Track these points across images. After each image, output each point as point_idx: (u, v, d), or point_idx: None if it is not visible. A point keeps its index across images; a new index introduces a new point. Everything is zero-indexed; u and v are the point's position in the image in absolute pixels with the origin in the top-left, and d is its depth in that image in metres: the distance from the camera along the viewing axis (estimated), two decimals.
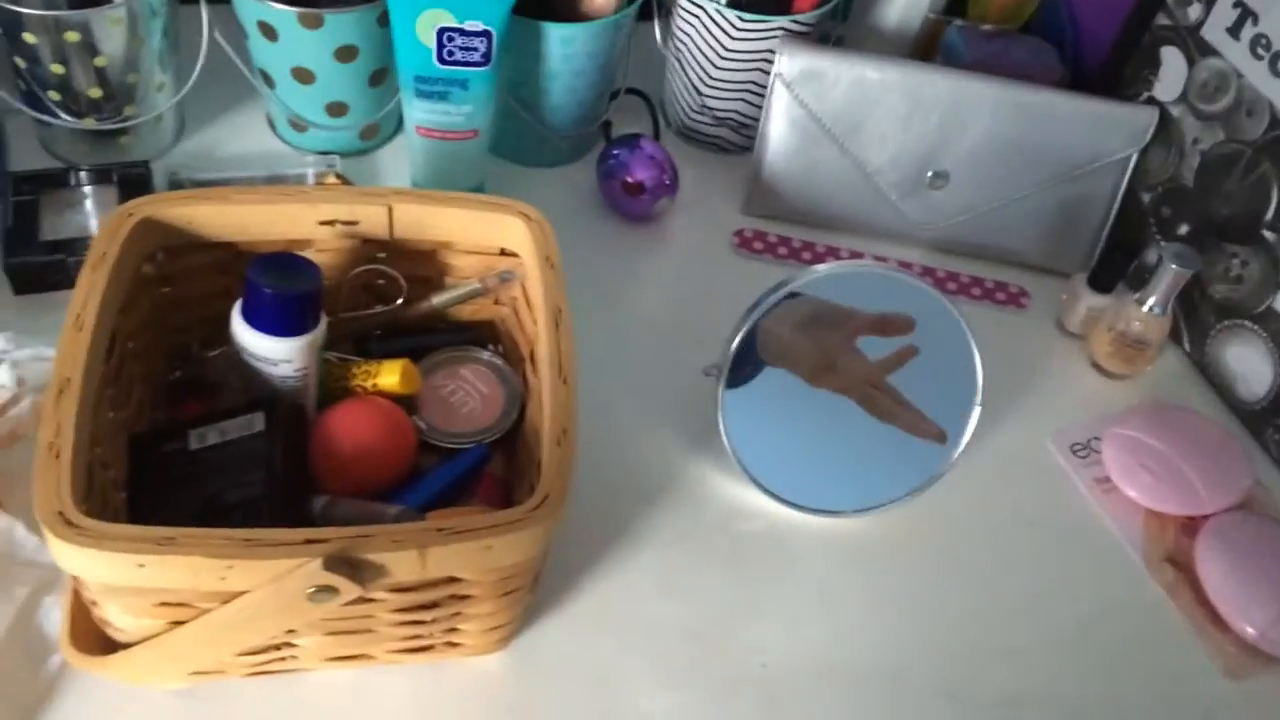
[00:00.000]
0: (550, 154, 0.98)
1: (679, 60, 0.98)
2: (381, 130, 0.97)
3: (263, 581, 0.53)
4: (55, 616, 0.64)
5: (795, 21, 0.92)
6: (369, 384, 0.69)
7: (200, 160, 0.92)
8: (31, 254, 0.80)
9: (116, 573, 0.52)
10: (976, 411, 0.76)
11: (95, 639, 0.60)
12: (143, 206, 0.65)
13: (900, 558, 0.77)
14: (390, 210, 0.69)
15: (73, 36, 0.80)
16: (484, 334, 0.78)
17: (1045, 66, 0.99)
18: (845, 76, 0.89)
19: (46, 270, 0.80)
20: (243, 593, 0.54)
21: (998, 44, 1.00)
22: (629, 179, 0.91)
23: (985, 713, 0.70)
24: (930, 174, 0.92)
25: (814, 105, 0.90)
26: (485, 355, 0.75)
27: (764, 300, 0.73)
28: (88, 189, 0.85)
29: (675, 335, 0.86)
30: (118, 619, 0.57)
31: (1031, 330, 0.95)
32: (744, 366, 0.74)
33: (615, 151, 0.92)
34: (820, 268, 0.73)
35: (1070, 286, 0.93)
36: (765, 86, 0.93)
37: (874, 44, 1.04)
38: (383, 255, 0.72)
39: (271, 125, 0.97)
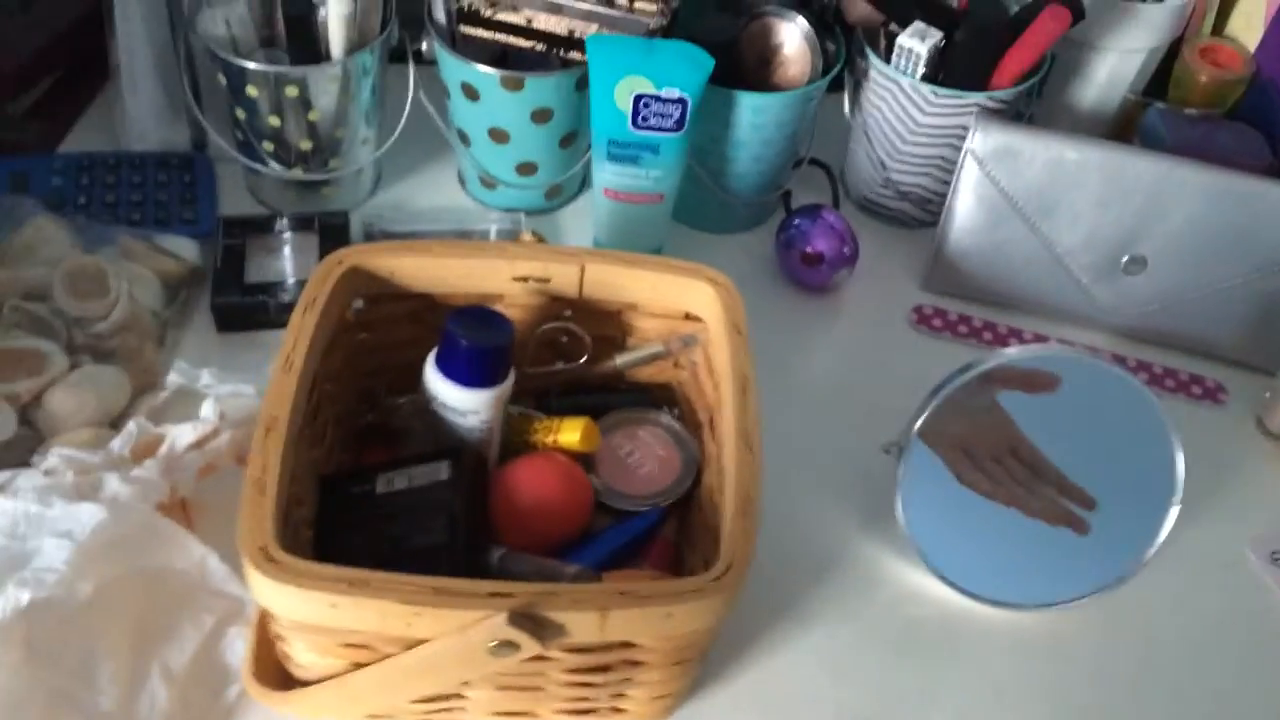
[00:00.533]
0: (730, 221, 0.98)
1: (866, 133, 0.97)
2: (565, 190, 0.99)
3: (447, 630, 0.53)
4: (238, 647, 0.66)
5: (991, 98, 0.90)
6: (550, 439, 0.70)
7: (393, 212, 0.96)
8: (236, 295, 0.84)
9: (309, 610, 0.53)
10: (1174, 510, 0.72)
11: (276, 673, 0.61)
12: (351, 255, 0.68)
13: (1081, 659, 0.72)
14: (582, 269, 0.70)
15: (292, 91, 0.85)
16: (662, 396, 0.78)
17: (1252, 153, 0.94)
18: (1041, 156, 0.87)
19: (249, 311, 0.84)
20: (425, 640, 0.54)
21: (1201, 129, 0.96)
22: (809, 249, 0.90)
23: None
24: (1126, 259, 0.88)
25: (1006, 183, 0.88)
26: (664, 418, 0.75)
27: (950, 381, 0.71)
28: (288, 235, 0.89)
29: (850, 409, 0.84)
30: (301, 656, 0.58)
31: (1229, 428, 0.89)
32: (925, 448, 0.71)
33: (796, 221, 0.92)
34: (1011, 350, 0.71)
35: (1274, 385, 0.88)
36: (953, 162, 0.92)
37: (1068, 123, 1.01)
38: (569, 313, 0.73)
39: (462, 182, 1.00)
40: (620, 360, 0.74)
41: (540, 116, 0.88)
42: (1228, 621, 0.76)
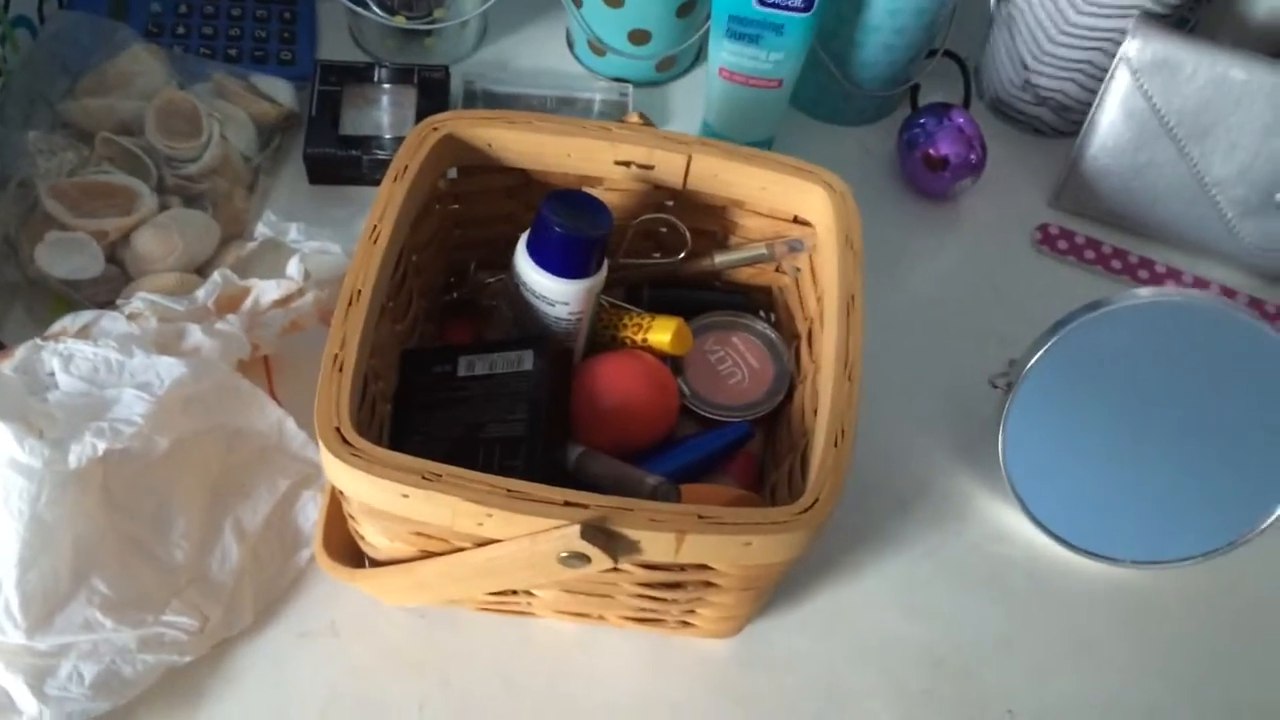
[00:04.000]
0: (849, 113, 0.92)
1: (1010, 27, 0.89)
2: (678, 64, 0.93)
3: (518, 534, 0.51)
4: (310, 512, 0.66)
5: (1156, 2, 0.81)
6: (639, 337, 0.67)
7: (496, 71, 0.91)
8: (331, 146, 0.81)
9: (380, 497, 0.51)
10: None
11: (347, 549, 0.61)
12: (447, 122, 0.64)
13: (1174, 623, 0.69)
14: (689, 159, 0.65)
15: None
16: (760, 300, 0.74)
17: None
18: (1205, 72, 0.78)
19: (342, 164, 0.81)
20: (496, 541, 0.53)
21: None
22: (932, 152, 0.84)
23: None
24: None
25: (1159, 99, 0.80)
26: (759, 326, 0.71)
27: (1073, 319, 0.65)
28: (387, 86, 0.85)
29: (957, 330, 0.79)
30: (373, 537, 0.57)
31: None
32: (1039, 388, 0.67)
33: (922, 120, 0.85)
34: (1144, 292, 0.65)
35: None
36: (1103, 69, 0.84)
37: (1234, 36, 0.91)
38: (671, 204, 0.69)
39: (570, 45, 0.94)
40: (720, 259, 0.70)
41: None
42: None
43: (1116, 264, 0.85)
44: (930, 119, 0.85)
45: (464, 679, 0.62)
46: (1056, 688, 0.65)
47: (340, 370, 0.53)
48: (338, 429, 0.51)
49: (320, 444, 0.51)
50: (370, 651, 0.63)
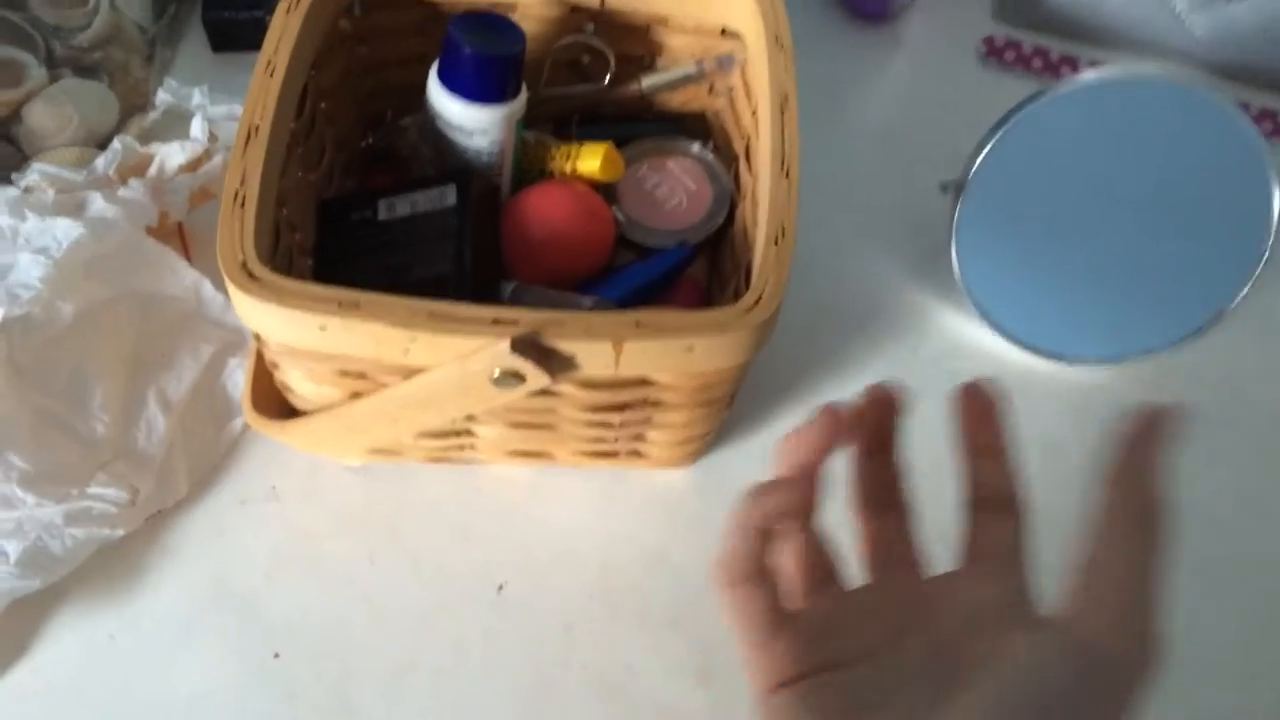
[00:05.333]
0: None
1: None
2: None
3: (447, 359, 0.49)
4: (239, 379, 0.63)
5: None
6: (568, 167, 0.63)
7: None
8: (230, 9, 0.76)
9: (297, 333, 0.48)
10: (1263, 260, 0.65)
11: (276, 404, 0.58)
12: None
13: None
14: None
15: None
16: (695, 126, 0.70)
17: None
18: None
19: (245, 27, 0.76)
20: (425, 369, 0.50)
21: None
22: None
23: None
24: None
25: None
26: (695, 148, 0.68)
27: (1016, 112, 0.62)
28: None
29: (907, 150, 0.76)
30: (298, 384, 0.54)
31: None
32: (988, 186, 0.64)
33: None
34: (1089, 73, 0.62)
35: None
36: None
37: None
38: (591, 27, 0.65)
39: None
40: (647, 82, 0.67)
41: None
42: None
43: (1066, 70, 0.82)
44: None
45: (414, 531, 0.60)
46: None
47: (242, 206, 0.50)
48: (244, 263, 0.48)
49: (228, 281, 0.48)
50: (315, 513, 0.60)
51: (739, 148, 0.65)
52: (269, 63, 0.55)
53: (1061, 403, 0.67)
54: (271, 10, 0.74)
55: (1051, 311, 0.66)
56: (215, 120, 0.69)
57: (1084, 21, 0.82)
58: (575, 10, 0.64)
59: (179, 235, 0.66)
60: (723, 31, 0.64)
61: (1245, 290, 0.65)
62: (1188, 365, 0.68)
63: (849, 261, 0.71)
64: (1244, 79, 0.82)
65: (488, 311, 0.48)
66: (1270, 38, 0.79)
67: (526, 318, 0.48)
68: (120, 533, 0.57)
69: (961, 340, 0.69)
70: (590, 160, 0.62)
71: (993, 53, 0.83)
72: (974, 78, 0.82)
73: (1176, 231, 0.64)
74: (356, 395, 0.53)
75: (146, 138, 0.69)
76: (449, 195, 0.59)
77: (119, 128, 0.70)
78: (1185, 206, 0.64)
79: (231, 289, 0.48)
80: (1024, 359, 0.68)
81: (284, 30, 0.56)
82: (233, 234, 0.49)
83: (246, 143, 0.52)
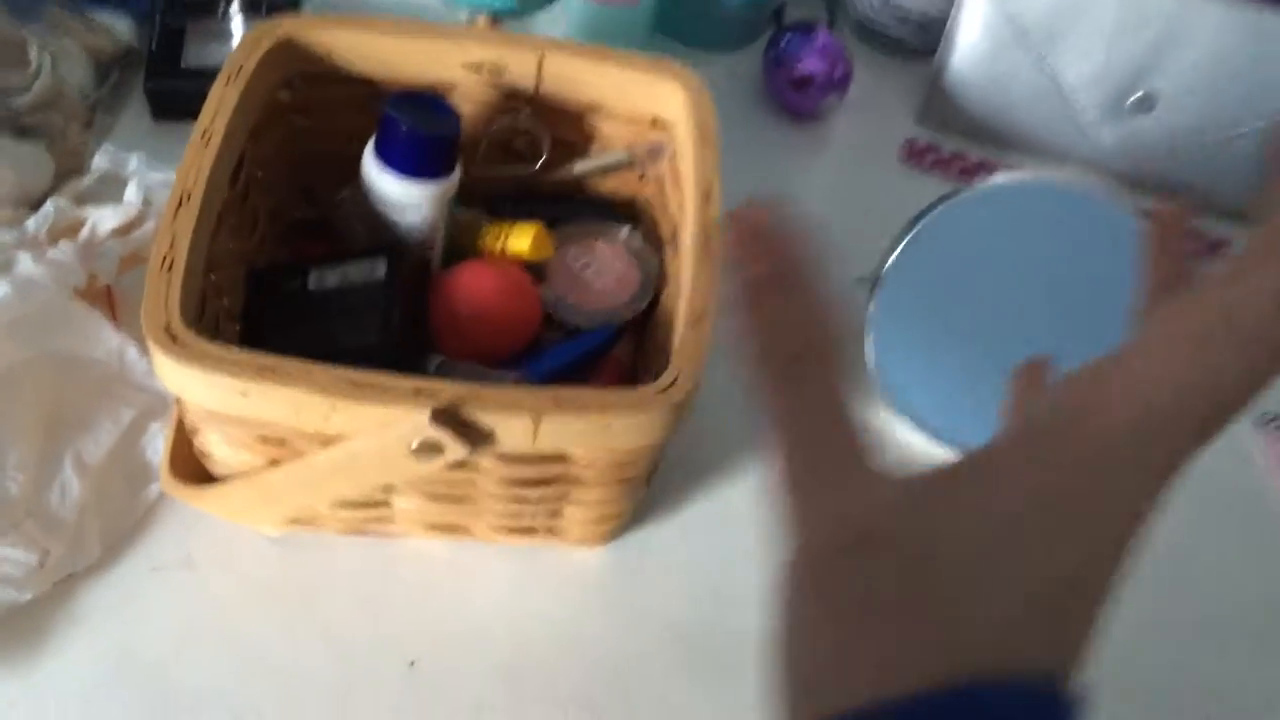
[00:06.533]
0: (716, 36, 0.91)
1: None
2: None
3: (367, 427, 0.49)
4: (158, 445, 0.62)
5: None
6: (498, 246, 0.65)
7: (348, 2, 0.88)
8: (173, 80, 0.77)
9: (219, 397, 0.49)
10: None
11: (194, 470, 0.58)
12: (284, 25, 0.61)
13: None
14: (541, 61, 0.64)
15: None
16: (626, 213, 0.72)
17: None
18: None
19: (186, 97, 0.76)
20: (345, 438, 0.50)
21: None
22: (798, 69, 0.84)
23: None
24: (1135, 97, 0.82)
25: (1012, 6, 0.81)
26: (624, 232, 0.70)
27: (928, 211, 0.65)
28: (237, 19, 0.82)
29: (829, 247, 0.79)
30: (217, 449, 0.54)
31: None
32: (902, 281, 0.67)
33: (786, 38, 0.85)
34: (997, 177, 0.66)
35: None
36: None
37: None
38: (526, 111, 0.67)
39: None
40: (580, 167, 0.69)
41: None
42: (1204, 477, 0.72)
43: (983, 174, 0.86)
44: (795, 36, 0.85)
45: (329, 604, 0.59)
46: None
47: (169, 270, 0.50)
48: (167, 326, 0.48)
49: (150, 343, 0.48)
50: (229, 582, 0.59)
51: (666, 233, 0.68)
52: (205, 132, 0.56)
53: None
54: (212, 81, 0.76)
55: (964, 404, 0.68)
56: (152, 187, 0.69)
57: (1001, 129, 0.87)
58: (511, 94, 0.66)
59: (107, 299, 0.66)
60: (653, 122, 0.67)
61: None
62: None
63: None
64: (1150, 188, 0.87)
65: (409, 382, 0.49)
66: (1171, 149, 0.84)
67: (448, 390, 0.48)
68: (28, 595, 0.55)
69: (877, 428, 0.71)
70: (520, 240, 0.64)
71: (913, 155, 0.87)
72: (895, 178, 0.86)
73: (1082, 328, 0.67)
74: (275, 462, 0.54)
75: (81, 201, 0.69)
76: (379, 268, 0.60)
77: (53, 190, 0.70)
78: (1089, 304, 0.67)
79: (154, 350, 0.48)
80: (937, 451, 0.70)
81: (221, 101, 0.57)
82: (158, 296, 0.49)
83: (178, 208, 0.52)
